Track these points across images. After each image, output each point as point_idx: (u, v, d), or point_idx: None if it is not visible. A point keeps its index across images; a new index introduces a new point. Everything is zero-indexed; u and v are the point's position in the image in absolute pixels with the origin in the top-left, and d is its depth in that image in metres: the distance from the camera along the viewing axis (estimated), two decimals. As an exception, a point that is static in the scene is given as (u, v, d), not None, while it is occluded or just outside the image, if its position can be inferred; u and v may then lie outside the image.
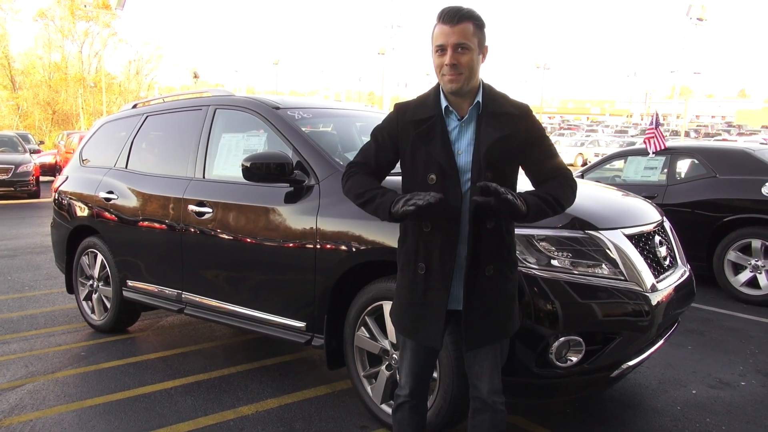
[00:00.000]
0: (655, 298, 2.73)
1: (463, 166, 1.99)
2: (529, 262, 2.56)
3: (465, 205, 1.98)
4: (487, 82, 2.08)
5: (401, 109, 2.11)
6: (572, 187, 2.08)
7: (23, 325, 4.72)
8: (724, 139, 29.26)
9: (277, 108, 3.59)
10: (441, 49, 1.96)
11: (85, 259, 4.67)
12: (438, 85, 2.06)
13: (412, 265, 2.06)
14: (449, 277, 2.00)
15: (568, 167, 2.13)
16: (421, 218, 2.00)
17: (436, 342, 2.06)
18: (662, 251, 3.09)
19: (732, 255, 5.57)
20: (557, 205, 2.02)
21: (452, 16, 1.94)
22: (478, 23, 1.97)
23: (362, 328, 2.99)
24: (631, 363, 2.77)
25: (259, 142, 3.69)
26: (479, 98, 2.02)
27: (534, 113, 2.13)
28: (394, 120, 2.10)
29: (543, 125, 2.16)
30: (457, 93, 1.99)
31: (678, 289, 3.00)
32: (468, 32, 1.94)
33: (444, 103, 2.03)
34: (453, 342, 2.53)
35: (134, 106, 4.82)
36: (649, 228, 3.08)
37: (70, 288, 4.90)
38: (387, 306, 2.84)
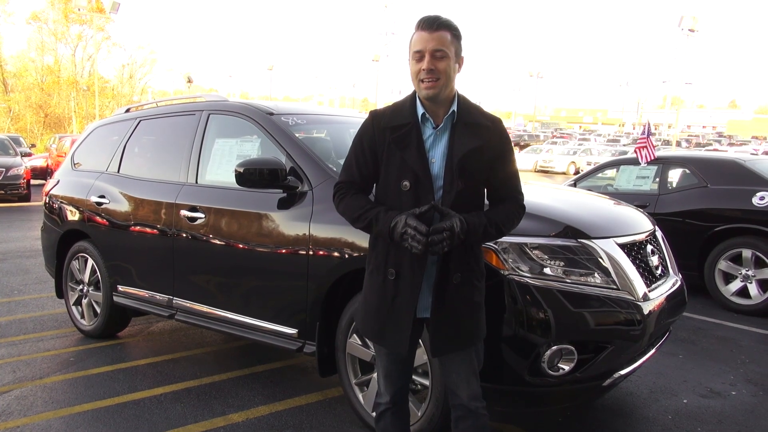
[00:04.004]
0: (647, 308, 2.74)
1: (436, 174, 2.01)
2: (522, 271, 2.56)
3: (437, 214, 1.99)
4: (462, 93, 2.10)
5: (377, 115, 2.11)
6: (519, 217, 2.14)
7: (11, 329, 4.68)
8: (715, 149, 29.51)
9: (271, 114, 3.59)
10: (419, 55, 1.99)
11: (75, 264, 4.63)
12: (414, 93, 2.07)
13: (383, 270, 2.07)
14: (419, 284, 2.02)
15: (521, 192, 2.16)
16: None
17: (402, 347, 2.07)
18: (654, 260, 3.10)
19: (723, 264, 5.59)
20: (497, 235, 2.07)
21: (431, 24, 1.98)
22: (455, 33, 2.01)
23: (354, 335, 2.97)
24: (622, 372, 2.77)
25: (252, 147, 3.69)
26: (454, 107, 2.04)
27: (506, 127, 2.16)
28: (370, 127, 2.10)
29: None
30: (434, 99, 2.01)
31: (670, 298, 3.01)
32: (446, 39, 1.98)
33: (420, 111, 2.04)
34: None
35: (127, 110, 4.80)
36: (642, 237, 3.09)
37: (60, 292, 4.86)
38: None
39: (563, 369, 2.59)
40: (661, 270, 3.17)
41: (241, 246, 3.37)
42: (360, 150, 2.12)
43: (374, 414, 2.33)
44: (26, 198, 13.56)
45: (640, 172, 6.55)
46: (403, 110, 2.07)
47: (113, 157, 4.49)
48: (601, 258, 2.69)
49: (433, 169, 2.01)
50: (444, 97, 2.01)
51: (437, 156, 2.02)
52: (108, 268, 4.30)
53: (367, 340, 2.91)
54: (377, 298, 2.09)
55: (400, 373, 2.21)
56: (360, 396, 3.01)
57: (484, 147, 2.02)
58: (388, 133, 2.04)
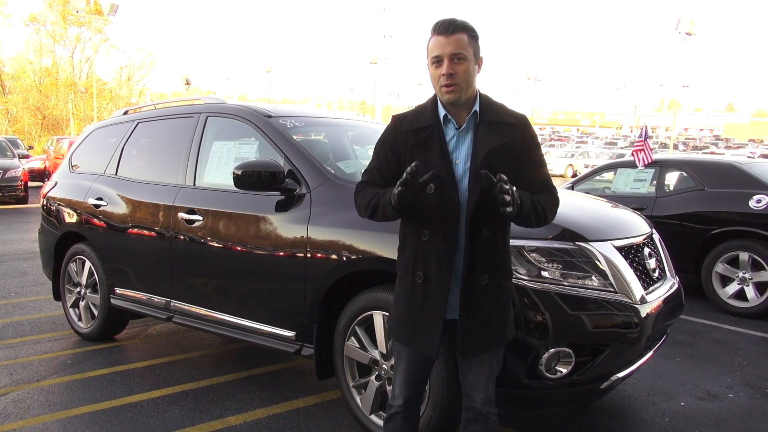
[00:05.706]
0: (644, 310, 2.74)
1: (461, 175, 2.01)
2: (520, 273, 2.56)
3: (463, 214, 1.99)
4: (483, 92, 2.09)
5: (399, 119, 2.12)
6: (556, 206, 2.12)
7: (8, 332, 4.66)
8: (712, 152, 29.62)
9: (269, 116, 3.59)
10: (437, 60, 1.98)
11: (72, 266, 4.63)
12: (435, 96, 2.07)
13: (411, 274, 2.07)
14: (447, 286, 2.01)
15: (554, 186, 2.15)
16: (415, 203, 1.95)
17: (433, 351, 2.06)
18: (651, 263, 3.11)
19: (720, 267, 5.61)
20: (542, 219, 2.04)
21: (447, 27, 1.97)
22: (472, 34, 2.00)
23: (352, 338, 2.97)
24: (620, 375, 2.77)
25: (250, 150, 3.69)
26: (476, 107, 2.04)
27: (532, 124, 2.15)
28: (392, 131, 2.11)
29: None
30: (455, 103, 2.01)
31: (667, 301, 3.02)
32: (463, 42, 1.97)
33: (442, 112, 2.04)
34: (444, 352, 2.52)
35: (125, 113, 4.80)
36: (639, 240, 3.10)
37: (57, 295, 4.85)
38: (377, 316, 2.84)
39: (561, 372, 2.60)
40: (659, 273, 3.18)
41: (239, 248, 3.37)
42: (382, 154, 2.12)
43: (384, 416, 2.31)
44: (24, 200, 13.56)
45: (638, 175, 6.57)
46: (425, 113, 2.07)
47: (111, 160, 4.49)
48: (598, 261, 2.69)
49: (457, 170, 2.01)
50: (465, 99, 2.01)
51: (461, 157, 2.02)
52: (105, 270, 4.30)
53: (365, 342, 2.92)
54: (407, 303, 2.08)
55: (419, 377, 2.19)
56: (358, 399, 3.00)
57: (509, 145, 2.00)
58: (411, 136, 2.04)
